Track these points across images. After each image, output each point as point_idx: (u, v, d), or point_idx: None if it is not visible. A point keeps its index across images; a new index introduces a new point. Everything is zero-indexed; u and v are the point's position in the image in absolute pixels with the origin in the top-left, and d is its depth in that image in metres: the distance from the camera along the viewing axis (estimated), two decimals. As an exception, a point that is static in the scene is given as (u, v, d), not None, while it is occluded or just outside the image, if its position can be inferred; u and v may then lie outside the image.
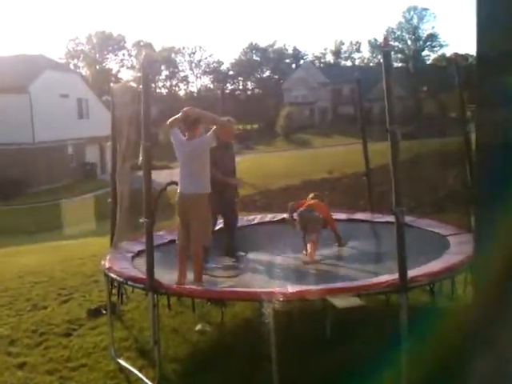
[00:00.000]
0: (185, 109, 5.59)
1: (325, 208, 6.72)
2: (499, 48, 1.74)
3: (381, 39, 4.61)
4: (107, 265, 5.49)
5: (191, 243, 5.40)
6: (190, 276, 5.39)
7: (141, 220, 4.74)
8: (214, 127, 5.46)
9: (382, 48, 4.51)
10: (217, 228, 6.92)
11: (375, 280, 4.44)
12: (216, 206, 6.20)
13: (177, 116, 5.58)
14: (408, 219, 6.52)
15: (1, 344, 5.76)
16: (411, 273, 4.31)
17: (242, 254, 6.56)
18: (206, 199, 5.43)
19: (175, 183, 5.75)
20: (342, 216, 7.99)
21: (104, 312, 6.24)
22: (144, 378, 4.71)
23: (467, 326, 2.05)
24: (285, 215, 8.13)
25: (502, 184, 1.77)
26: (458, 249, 5.35)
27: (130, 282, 5.13)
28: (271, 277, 5.53)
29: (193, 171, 5.45)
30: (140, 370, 4.87)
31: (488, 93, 1.79)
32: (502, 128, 1.75)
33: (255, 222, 8.20)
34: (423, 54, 76.02)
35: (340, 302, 3.97)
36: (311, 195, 6.97)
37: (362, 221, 7.66)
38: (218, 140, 5.51)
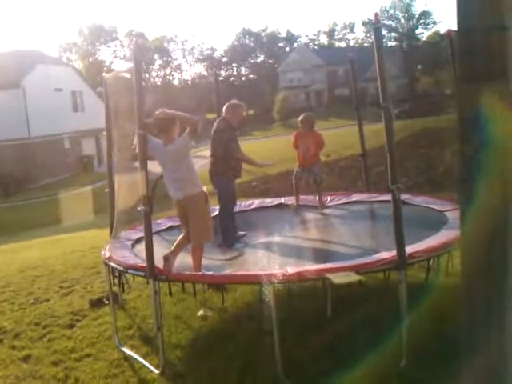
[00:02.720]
0: (156, 112, 5.23)
1: (318, 136, 7.91)
2: (481, 22, 1.73)
3: (373, 18, 4.59)
4: (107, 254, 5.50)
5: (191, 240, 5.34)
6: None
7: (138, 208, 4.74)
8: (188, 129, 5.08)
9: (373, 25, 4.51)
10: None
11: (374, 257, 4.45)
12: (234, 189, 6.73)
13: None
14: (405, 197, 6.57)
15: (5, 338, 5.79)
16: (409, 249, 4.33)
17: (242, 233, 6.57)
18: (200, 198, 5.23)
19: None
20: (339, 197, 8.02)
21: (106, 302, 6.28)
22: (148, 365, 4.74)
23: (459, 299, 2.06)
24: (282, 200, 8.19)
25: (483, 159, 1.77)
26: (456, 223, 5.34)
27: (130, 271, 5.13)
28: (271, 258, 5.53)
29: (178, 176, 5.20)
30: (144, 358, 4.91)
31: (470, 68, 1.78)
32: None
33: (253, 206, 8.21)
34: (417, 31, 75.56)
35: (337, 278, 3.98)
36: (301, 117, 7.94)
37: (359, 201, 7.67)
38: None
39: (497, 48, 1.69)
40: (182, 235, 5.41)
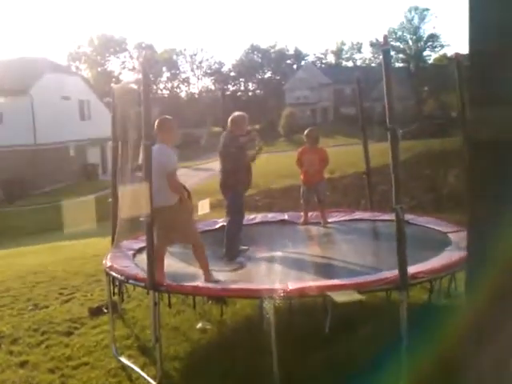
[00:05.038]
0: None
1: (322, 152, 7.98)
2: (493, 45, 1.72)
3: (382, 39, 4.65)
4: (108, 263, 5.50)
5: (192, 247, 5.40)
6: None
7: (141, 218, 4.75)
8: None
9: (382, 47, 4.56)
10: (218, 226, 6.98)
11: (375, 276, 4.44)
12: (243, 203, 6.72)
13: None
14: (409, 217, 6.55)
15: (2, 343, 5.78)
16: (412, 269, 4.32)
17: (245, 247, 6.56)
18: (174, 210, 5.23)
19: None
20: (342, 215, 8.01)
21: (105, 311, 6.26)
22: (146, 376, 4.72)
23: (462, 325, 2.03)
24: (286, 216, 8.19)
25: (493, 182, 1.76)
26: (459, 245, 5.34)
27: (131, 281, 5.13)
28: (272, 273, 5.53)
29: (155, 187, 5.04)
30: (142, 368, 4.89)
31: (481, 90, 1.77)
32: (495, 125, 1.72)
33: (256, 221, 8.20)
34: (424, 54, 75.99)
35: (339, 296, 3.97)
36: (306, 131, 8.00)
37: (362, 219, 7.66)
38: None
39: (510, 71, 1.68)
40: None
